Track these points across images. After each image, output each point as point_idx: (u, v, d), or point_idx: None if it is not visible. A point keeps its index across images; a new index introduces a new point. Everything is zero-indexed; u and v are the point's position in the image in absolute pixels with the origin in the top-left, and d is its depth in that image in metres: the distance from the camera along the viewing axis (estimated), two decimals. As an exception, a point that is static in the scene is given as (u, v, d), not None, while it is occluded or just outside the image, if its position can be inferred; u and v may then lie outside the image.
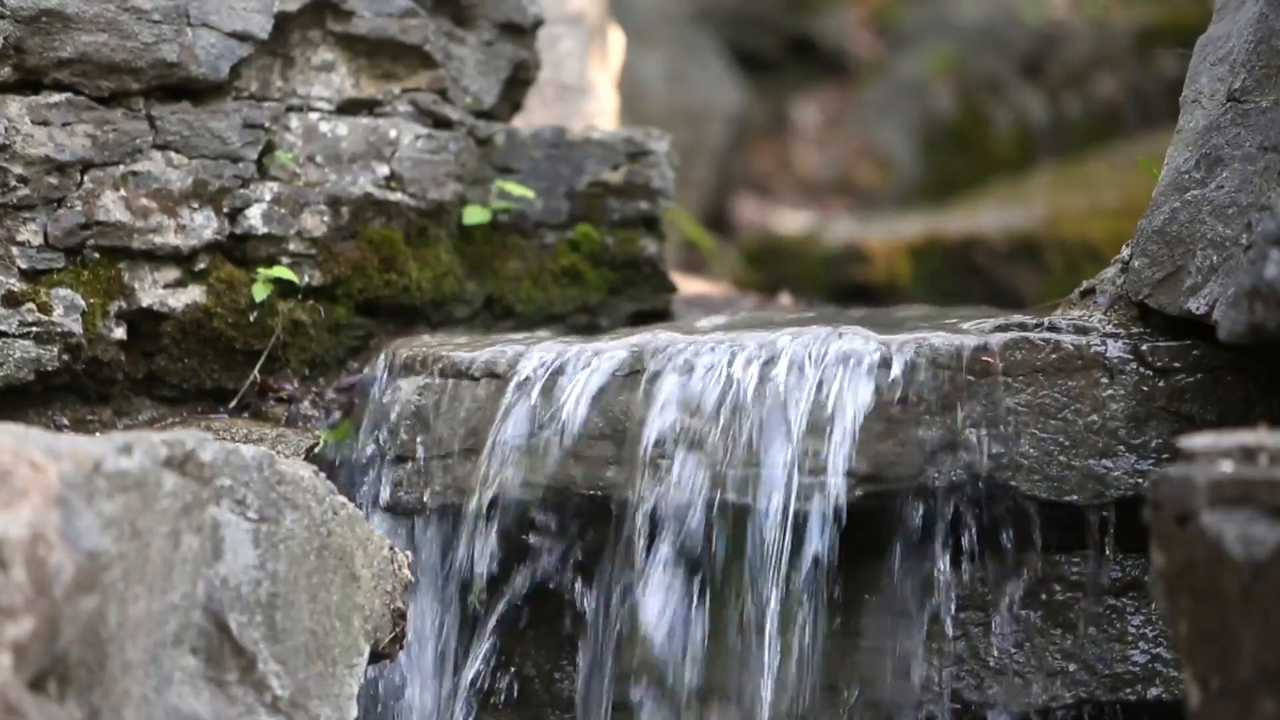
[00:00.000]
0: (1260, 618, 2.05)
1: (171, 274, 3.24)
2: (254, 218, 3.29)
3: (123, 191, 3.19)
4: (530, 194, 3.50)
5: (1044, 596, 2.92)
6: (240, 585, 2.43)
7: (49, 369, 3.12)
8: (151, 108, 3.22)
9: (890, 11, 8.83)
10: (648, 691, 2.95)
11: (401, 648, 2.66)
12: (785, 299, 4.44)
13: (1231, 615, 2.08)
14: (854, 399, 2.88)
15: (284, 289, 3.31)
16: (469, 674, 3.01)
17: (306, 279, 3.32)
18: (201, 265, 3.25)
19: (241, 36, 3.26)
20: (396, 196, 3.40)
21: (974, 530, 2.90)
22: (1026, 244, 6.40)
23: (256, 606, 2.44)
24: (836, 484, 2.86)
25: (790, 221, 7.42)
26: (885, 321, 3.19)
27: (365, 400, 3.19)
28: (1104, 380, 2.90)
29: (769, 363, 2.92)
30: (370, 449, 3.12)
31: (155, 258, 3.22)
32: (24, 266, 3.13)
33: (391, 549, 2.63)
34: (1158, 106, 7.43)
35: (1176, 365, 2.91)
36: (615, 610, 2.95)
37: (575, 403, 2.96)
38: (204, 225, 3.24)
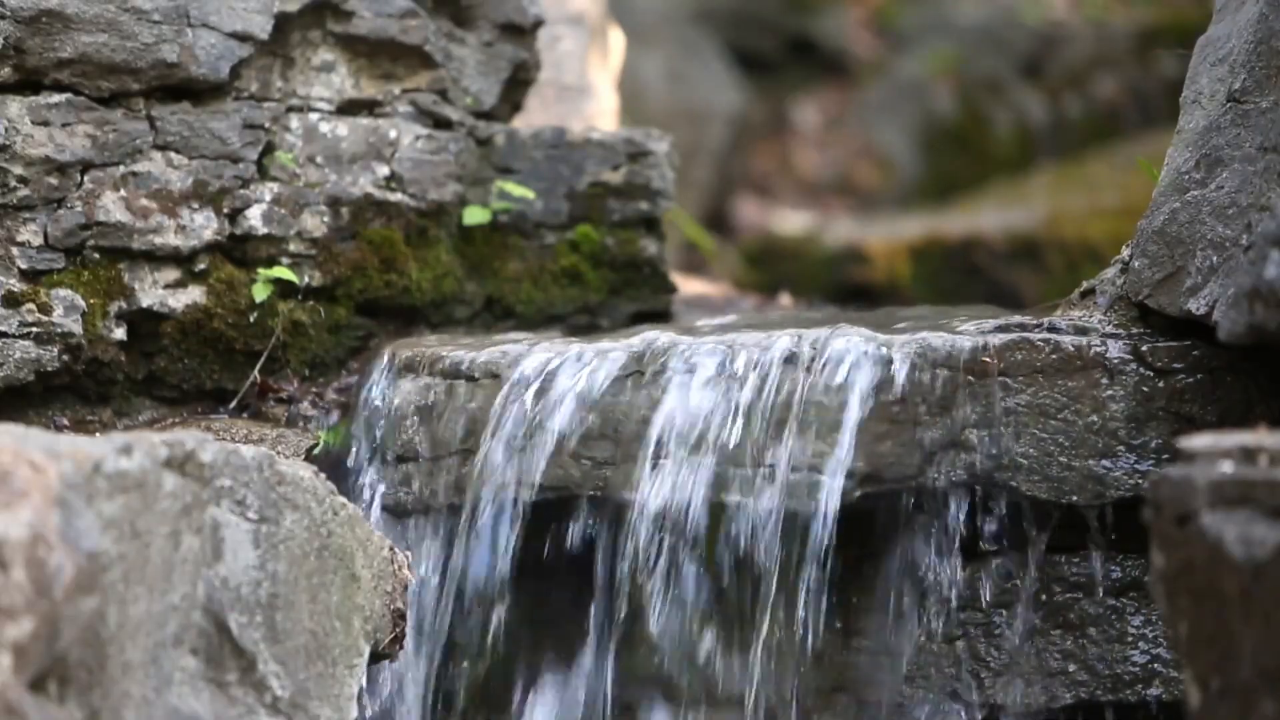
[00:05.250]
0: (1260, 618, 2.05)
1: (171, 274, 3.24)
2: (254, 218, 3.29)
3: (123, 192, 3.19)
4: (530, 194, 3.49)
5: (1044, 597, 2.92)
6: (240, 586, 2.43)
7: (49, 369, 3.12)
8: (151, 108, 3.22)
9: (890, 11, 8.83)
10: (650, 693, 2.95)
11: (401, 648, 2.66)
12: (785, 299, 4.44)
13: (1231, 616, 2.08)
14: (854, 399, 2.88)
15: (284, 289, 3.31)
16: (466, 673, 3.02)
17: (306, 279, 3.32)
18: (201, 266, 3.25)
19: (241, 37, 3.26)
20: (396, 197, 3.40)
21: (973, 530, 2.90)
22: (1026, 244, 6.39)
23: (256, 607, 2.44)
24: (836, 484, 2.86)
25: (790, 222, 7.42)
26: (886, 322, 3.19)
27: (365, 400, 3.19)
28: (1104, 381, 2.89)
29: (769, 363, 2.92)
30: (370, 449, 3.12)
31: (155, 258, 3.22)
32: (24, 267, 3.13)
33: (391, 549, 2.63)
34: (1158, 106, 7.43)
35: (1177, 366, 2.90)
36: (616, 610, 2.95)
37: (575, 403, 2.96)
38: (204, 226, 3.24)
